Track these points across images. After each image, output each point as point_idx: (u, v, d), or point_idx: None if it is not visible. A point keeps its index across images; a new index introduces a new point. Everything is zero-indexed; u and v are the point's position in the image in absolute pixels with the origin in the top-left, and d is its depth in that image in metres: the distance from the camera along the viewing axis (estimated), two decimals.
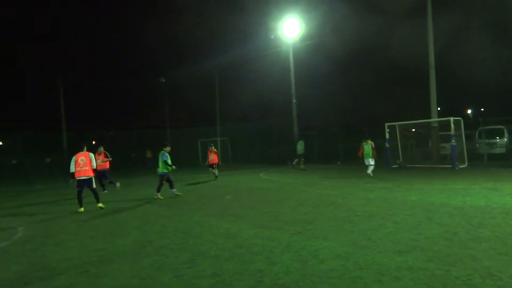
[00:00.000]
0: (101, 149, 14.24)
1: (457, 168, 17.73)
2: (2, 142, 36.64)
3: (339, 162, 25.81)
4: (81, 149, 10.35)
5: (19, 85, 42.42)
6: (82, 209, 10.06)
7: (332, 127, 31.34)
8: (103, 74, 48.70)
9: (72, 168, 10.09)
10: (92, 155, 10.37)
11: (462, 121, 19.26)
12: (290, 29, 27.26)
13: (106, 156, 14.33)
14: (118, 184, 14.71)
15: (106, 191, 14.04)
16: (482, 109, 48.02)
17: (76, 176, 10.07)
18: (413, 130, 26.71)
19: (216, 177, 17.91)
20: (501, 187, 11.01)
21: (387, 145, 20.81)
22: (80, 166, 10.09)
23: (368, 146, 15.81)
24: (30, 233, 7.74)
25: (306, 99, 33.27)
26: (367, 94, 39.29)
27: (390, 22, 28.70)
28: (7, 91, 42.00)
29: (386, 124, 21.10)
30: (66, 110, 33.36)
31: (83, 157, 10.15)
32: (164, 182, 12.08)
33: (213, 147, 18.66)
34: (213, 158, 18.12)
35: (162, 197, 11.94)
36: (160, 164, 12.03)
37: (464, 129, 19.32)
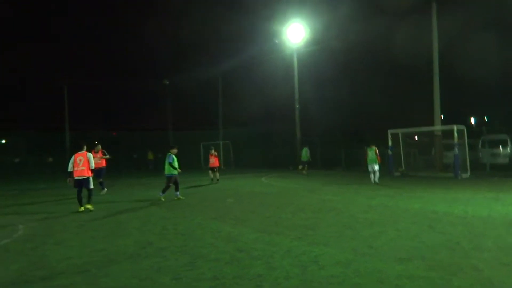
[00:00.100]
0: (99, 147, 14.12)
1: (459, 177, 17.65)
2: (5, 141, 36.79)
3: (341, 169, 25.77)
4: (80, 149, 10.35)
5: (23, 85, 42.65)
6: (82, 209, 10.05)
7: (335, 132, 31.31)
8: (106, 75, 48.84)
9: (70, 168, 10.10)
10: (90, 155, 10.31)
11: (465, 130, 19.19)
12: (295, 34, 27.32)
13: (103, 154, 14.24)
14: (104, 191, 14.13)
15: (105, 189, 14.03)
16: (486, 118, 47.89)
17: (74, 176, 10.07)
18: (416, 138, 26.63)
19: (218, 180, 17.84)
20: (503, 197, 10.95)
21: (389, 152, 20.76)
22: (78, 165, 10.06)
23: (372, 152, 15.79)
24: (31, 232, 7.74)
25: (309, 104, 33.27)
26: (370, 100, 39.24)
27: (395, 27, 28.68)
28: (11, 90, 42.21)
29: (389, 131, 21.05)
30: (70, 110, 33.47)
31: (81, 157, 10.12)
32: (171, 184, 12.05)
33: (214, 151, 18.48)
34: (213, 161, 18.01)
35: (164, 199, 11.94)
36: (166, 165, 12.02)
37: (467, 138, 19.25)
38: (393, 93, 37.42)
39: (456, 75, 32.06)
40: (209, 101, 37.82)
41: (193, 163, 30.63)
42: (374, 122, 35.01)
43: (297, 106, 28.47)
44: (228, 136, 33.61)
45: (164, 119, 40.96)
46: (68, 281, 4.78)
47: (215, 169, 17.98)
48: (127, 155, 36.83)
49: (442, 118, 22.47)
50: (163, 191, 12.06)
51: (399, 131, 21.29)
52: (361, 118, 39.15)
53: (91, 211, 10.03)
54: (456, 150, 18.29)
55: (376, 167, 15.68)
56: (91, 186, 10.29)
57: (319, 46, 29.61)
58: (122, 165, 32.04)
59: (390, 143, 20.87)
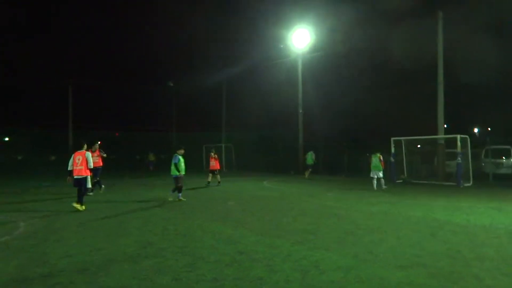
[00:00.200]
0: (96, 146, 13.93)
1: (462, 186, 17.58)
2: (9, 138, 36.95)
3: (343, 175, 25.73)
4: (80, 148, 10.34)
5: (27, 83, 42.84)
6: (83, 207, 10.06)
7: (338, 138, 31.29)
8: (111, 76, 49.07)
9: (70, 166, 10.10)
10: (89, 154, 10.26)
11: (468, 139, 19.14)
12: (300, 39, 27.38)
13: (100, 153, 14.11)
14: (102, 188, 14.13)
15: (103, 186, 14.00)
16: (489, 129, 47.77)
17: (73, 175, 10.06)
18: (418, 146, 26.57)
19: (219, 182, 17.74)
20: (506, 207, 10.89)
21: (392, 159, 20.72)
22: (77, 165, 10.04)
23: (376, 159, 15.78)
24: (32, 229, 7.75)
25: (312, 109, 33.28)
26: (374, 107, 39.23)
27: (400, 34, 28.65)
28: (15, 89, 42.44)
29: (392, 139, 21.02)
30: (74, 109, 33.59)
31: (79, 156, 10.11)
32: (181, 184, 12.04)
33: (214, 153, 18.24)
34: (213, 164, 17.84)
35: (171, 199, 11.97)
36: (172, 166, 12.02)
37: (470, 148, 19.20)
38: (397, 100, 37.39)
39: (460, 84, 32.05)
40: (213, 104, 37.90)
41: (195, 165, 30.66)
42: (377, 129, 34.98)
43: (301, 111, 28.48)
44: (230, 139, 33.65)
45: (167, 120, 41.10)
46: (68, 279, 4.79)
47: (216, 172, 17.83)
48: (129, 156, 36.99)
49: (446, 127, 22.42)
50: (175, 191, 12.06)
51: (402, 138, 21.27)
52: (364, 124, 39.12)
53: (77, 210, 9.83)
54: (459, 159, 18.25)
55: (381, 174, 15.69)
56: (88, 186, 10.30)
57: (323, 52, 29.67)
58: (124, 166, 32.14)
59: (393, 150, 20.83)
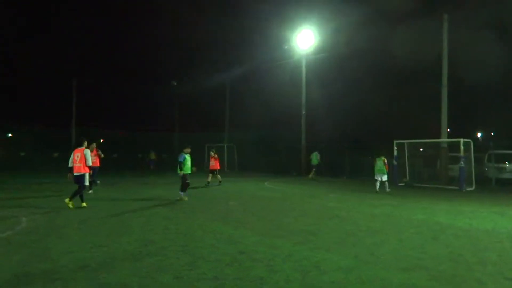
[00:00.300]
0: (94, 145, 13.59)
1: (464, 190, 17.52)
2: (12, 135, 37.10)
3: (344, 176, 25.70)
4: (80, 144, 10.34)
5: (31, 81, 43.04)
6: (84, 205, 10.07)
7: (340, 140, 31.25)
8: (114, 75, 49.13)
9: (70, 163, 10.13)
10: (87, 151, 10.23)
11: (472, 143, 19.07)
12: (304, 40, 27.37)
13: (98, 153, 13.98)
14: (91, 191, 13.49)
15: (98, 182, 13.91)
16: (493, 133, 47.60)
17: (73, 172, 10.07)
18: (421, 149, 26.51)
19: (220, 182, 17.66)
20: (509, 211, 10.83)
21: (394, 162, 20.67)
22: (76, 162, 10.05)
23: (380, 162, 15.80)
24: (34, 225, 7.77)
25: (315, 111, 33.24)
26: (377, 109, 39.16)
27: (405, 36, 28.61)
28: (19, 86, 42.63)
29: (395, 141, 20.98)
30: (77, 107, 33.65)
31: (78, 153, 10.11)
32: (188, 181, 12.01)
33: (214, 153, 18.10)
34: (213, 164, 17.74)
35: (186, 199, 11.96)
36: (180, 165, 11.99)
37: (473, 152, 19.12)
38: (399, 102, 37.32)
39: (464, 87, 31.94)
40: (216, 104, 37.93)
41: (197, 165, 30.66)
42: (380, 131, 34.91)
43: (304, 112, 28.47)
44: (233, 139, 33.64)
45: (170, 120, 41.15)
46: (69, 275, 4.79)
47: (215, 172, 17.73)
48: (131, 155, 37.07)
49: (448, 130, 22.35)
50: (183, 190, 12.03)
51: (405, 141, 21.22)
52: (366, 126, 39.05)
53: (69, 208, 9.78)
54: (462, 163, 18.19)
55: (385, 177, 15.71)
56: (85, 183, 10.19)
57: (328, 53, 29.64)
58: (125, 165, 32.21)
59: (395, 153, 20.79)
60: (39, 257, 5.54)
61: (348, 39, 33.43)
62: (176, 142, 39.63)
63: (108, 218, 8.80)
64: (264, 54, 35.42)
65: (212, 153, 18.20)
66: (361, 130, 38.07)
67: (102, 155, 14.37)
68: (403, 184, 20.19)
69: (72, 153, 10.27)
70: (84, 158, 10.08)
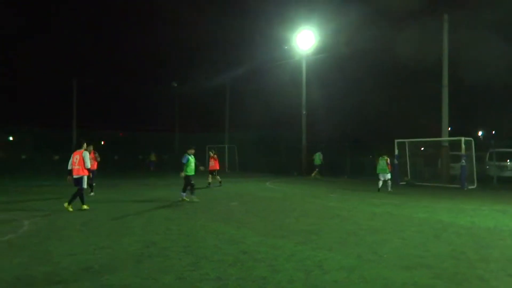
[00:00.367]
0: (91, 148, 13.04)
1: (466, 189, 17.51)
2: (13, 137, 37.11)
3: (345, 176, 25.71)
4: (79, 146, 10.27)
5: (31, 83, 43.07)
6: (85, 207, 10.05)
7: (341, 140, 31.25)
8: (114, 75, 49.15)
9: (70, 166, 10.04)
10: (86, 154, 10.12)
11: (473, 142, 19.06)
12: (304, 41, 27.38)
13: (95, 156, 13.64)
14: (93, 193, 13.35)
15: (93, 193, 13.29)
16: (494, 132, 47.55)
17: (73, 174, 9.99)
18: (422, 149, 26.50)
19: (220, 182, 17.55)
20: (510, 209, 10.82)
21: (395, 161, 20.66)
22: (75, 164, 9.96)
23: (383, 161, 15.87)
24: (35, 227, 7.77)
25: (316, 111, 33.24)
26: (378, 109, 39.15)
27: (405, 35, 28.60)
28: (19, 87, 42.68)
29: (396, 141, 20.97)
30: (78, 109, 33.67)
31: (77, 156, 10.03)
32: (193, 182, 11.95)
33: (214, 153, 18.02)
34: (213, 164, 17.59)
35: (197, 200, 11.87)
36: (183, 166, 11.95)
37: (475, 151, 19.11)
38: (400, 101, 37.30)
39: (464, 86, 31.91)
40: (216, 104, 37.92)
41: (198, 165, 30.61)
42: (380, 131, 34.90)
43: (304, 112, 28.47)
44: (233, 139, 33.64)
45: (170, 121, 41.16)
46: (71, 277, 4.79)
47: (214, 173, 17.60)
48: (131, 156, 37.07)
49: (450, 129, 22.35)
50: (193, 192, 11.97)
51: (406, 141, 21.22)
52: (367, 126, 39.04)
53: (68, 210, 9.73)
54: (463, 162, 18.17)
55: (388, 176, 15.79)
56: (83, 186, 10.05)
57: (328, 53, 29.63)
58: (125, 166, 32.22)
59: (396, 152, 20.79)
60: (40, 259, 5.53)
61: (349, 39, 33.43)
62: (176, 143, 39.65)
63: (109, 219, 8.80)
64: (265, 54, 35.48)
65: (211, 153, 18.10)
66: (362, 130, 38.09)
67: (99, 159, 14.05)
68: (404, 183, 20.19)
69: (72, 155, 10.20)
70: (82, 161, 9.98)
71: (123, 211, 9.96)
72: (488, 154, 21.78)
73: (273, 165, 29.91)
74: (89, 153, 12.73)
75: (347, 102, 38.61)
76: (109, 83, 39.30)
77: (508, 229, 7.88)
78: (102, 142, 38.23)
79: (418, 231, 7.66)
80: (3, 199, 12.24)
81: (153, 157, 32.21)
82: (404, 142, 21.19)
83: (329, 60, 31.52)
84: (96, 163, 13.81)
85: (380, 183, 15.77)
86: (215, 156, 18.09)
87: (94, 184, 13.62)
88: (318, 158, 23.93)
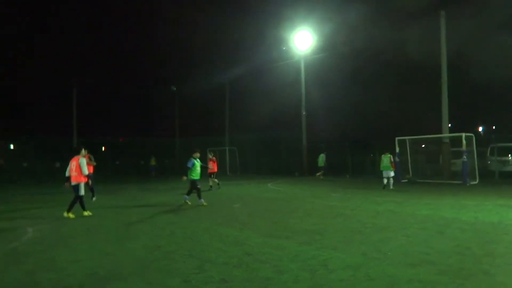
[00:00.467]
0: (84, 152, 13.07)
1: (468, 184, 17.50)
2: (14, 146, 37.14)
3: (347, 175, 25.71)
4: (77, 153, 10.16)
5: (31, 91, 43.16)
6: (86, 213, 10.01)
7: (342, 139, 31.25)
8: (114, 81, 49.25)
9: (67, 173, 9.96)
10: (82, 160, 9.96)
11: (474, 138, 19.06)
12: (302, 41, 27.43)
13: (90, 160, 13.23)
14: (94, 198, 13.30)
15: (95, 198, 13.20)
16: (494, 127, 47.51)
17: (71, 181, 9.91)
18: (423, 146, 26.50)
19: (218, 184, 17.46)
20: None
21: (397, 159, 20.68)
22: (72, 171, 9.87)
23: (387, 159, 16.06)
24: (40, 235, 7.77)
25: (316, 111, 33.28)
26: (378, 107, 39.17)
27: (403, 33, 28.63)
28: (19, 95, 42.75)
29: (397, 139, 20.97)
30: (78, 116, 33.69)
31: (74, 162, 9.93)
32: (199, 186, 11.90)
33: (213, 156, 17.91)
34: (211, 167, 17.42)
35: (206, 203, 11.74)
36: (188, 170, 11.91)
37: (476, 146, 19.11)
38: (401, 100, 37.30)
39: (465, 83, 31.92)
40: (216, 107, 37.96)
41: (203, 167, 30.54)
42: (382, 129, 34.90)
43: (304, 112, 28.49)
44: (234, 141, 33.65)
45: (171, 125, 41.17)
46: (77, 284, 4.79)
47: (212, 175, 17.46)
48: (133, 162, 37.08)
49: (450, 126, 22.35)
50: (199, 196, 11.86)
51: (407, 138, 21.22)
52: (368, 124, 39.06)
53: (70, 218, 9.60)
54: (465, 157, 18.17)
55: (391, 174, 15.96)
56: (80, 193, 9.87)
57: (326, 53, 29.69)
58: (128, 171, 32.22)
59: (397, 150, 20.80)
60: (46, 266, 5.54)
61: (346, 38, 33.49)
62: (177, 147, 39.66)
63: (114, 225, 8.80)
64: (264, 55, 35.51)
65: (210, 156, 18.03)
66: (362, 129, 38.08)
67: (95, 163, 14.00)
68: (406, 180, 20.19)
69: (70, 162, 10.08)
70: (79, 167, 9.86)
71: (126, 217, 9.96)
72: (489, 149, 21.78)
73: (274, 166, 29.92)
74: (84, 157, 12.68)
75: (347, 101, 38.65)
76: (109, 86, 39.40)
77: None
78: (103, 148, 38.26)
79: (422, 228, 7.66)
80: (7, 208, 12.25)
81: (153, 162, 32.21)
82: (404, 140, 21.19)
83: (328, 60, 31.60)
84: (92, 167, 13.73)
85: (385, 180, 15.97)
86: (214, 158, 18.04)
87: (94, 188, 13.56)
88: (321, 159, 23.91)
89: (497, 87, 37.35)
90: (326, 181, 21.55)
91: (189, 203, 12.01)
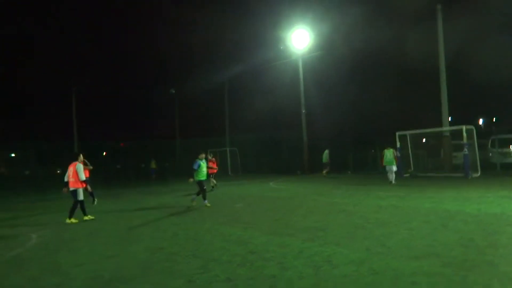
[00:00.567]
0: (81, 157, 12.33)
1: (470, 177, 17.47)
2: (15, 154, 37.21)
3: (349, 172, 25.70)
4: (75, 158, 10.18)
5: (31, 90, 43.15)
6: (87, 217, 10.01)
7: (343, 136, 31.24)
8: (115, 81, 49.19)
9: (66, 178, 10.01)
10: (79, 166, 9.94)
11: (474, 130, 19.03)
12: (300, 40, 27.42)
13: (85, 165, 12.79)
14: (95, 202, 13.21)
15: (96, 202, 13.09)
16: (494, 119, 47.44)
17: (69, 186, 9.93)
18: (424, 140, 26.48)
19: (216, 185, 17.43)
20: None
21: (398, 154, 20.67)
22: (70, 177, 9.89)
23: (390, 153, 16.25)
24: (43, 240, 7.78)
25: (316, 109, 33.27)
26: (377, 103, 39.14)
27: (402, 30, 28.64)
28: (20, 102, 42.76)
29: (397, 133, 20.95)
30: (78, 121, 33.71)
31: (71, 168, 9.95)
32: (205, 187, 11.88)
33: (212, 156, 17.85)
34: (211, 168, 17.21)
35: (210, 205, 11.67)
36: (194, 172, 11.91)
37: (476, 139, 19.09)
38: (400, 96, 37.26)
39: (464, 76, 31.88)
40: (216, 107, 37.97)
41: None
42: (382, 125, 34.85)
43: (304, 111, 28.49)
44: (234, 142, 33.65)
45: (171, 127, 41.20)
46: (82, 287, 4.80)
47: (211, 176, 17.29)
48: (133, 165, 37.11)
49: (450, 119, 22.34)
50: (203, 197, 11.82)
51: (407, 133, 21.20)
52: (368, 121, 39.01)
53: (72, 223, 9.60)
54: (466, 150, 18.15)
55: (394, 168, 16.13)
56: (79, 198, 9.86)
57: (324, 52, 29.67)
58: (129, 175, 32.23)
59: (398, 144, 20.79)
60: (50, 271, 5.54)
61: (344, 37, 33.50)
62: (177, 150, 39.68)
63: (116, 228, 8.81)
64: (262, 55, 35.46)
65: (210, 156, 18.03)
66: (362, 126, 38.04)
67: (91, 167, 13.95)
68: (407, 175, 20.18)
69: (68, 168, 10.10)
70: (76, 173, 9.86)
71: (129, 219, 9.97)
72: (490, 141, 21.76)
73: (276, 165, 29.92)
74: (80, 162, 12.62)
75: (346, 98, 38.63)
76: (109, 86, 39.42)
77: None
78: (104, 153, 38.31)
79: (425, 221, 7.65)
80: (10, 215, 12.26)
81: (153, 165, 32.18)
82: (405, 135, 21.17)
83: (326, 58, 31.58)
84: (88, 171, 13.68)
85: (390, 176, 16.17)
86: (214, 159, 18.06)
87: (93, 192, 13.52)
88: (325, 156, 23.81)
89: (496, 80, 37.30)
90: (328, 178, 21.54)
91: (195, 203, 11.93)
